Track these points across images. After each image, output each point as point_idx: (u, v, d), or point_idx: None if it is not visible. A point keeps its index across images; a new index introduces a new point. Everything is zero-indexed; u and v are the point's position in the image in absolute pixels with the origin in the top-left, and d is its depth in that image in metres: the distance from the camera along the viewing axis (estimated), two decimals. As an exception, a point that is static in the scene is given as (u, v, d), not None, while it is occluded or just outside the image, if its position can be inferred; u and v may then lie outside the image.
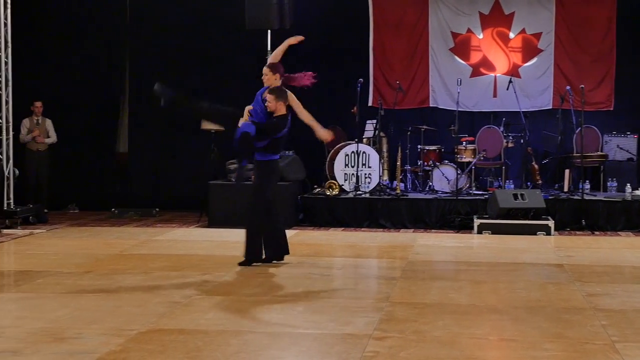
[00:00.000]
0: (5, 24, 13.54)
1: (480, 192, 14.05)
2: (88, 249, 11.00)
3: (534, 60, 15.30)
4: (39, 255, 10.59)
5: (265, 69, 9.82)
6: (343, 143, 14.52)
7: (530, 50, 15.30)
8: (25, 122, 14.87)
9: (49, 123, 15.04)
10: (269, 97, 9.43)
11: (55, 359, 5.88)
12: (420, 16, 15.47)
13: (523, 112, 14.34)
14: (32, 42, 15.66)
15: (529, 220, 12.81)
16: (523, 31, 15.30)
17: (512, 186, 14.05)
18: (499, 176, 14.50)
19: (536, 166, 14.25)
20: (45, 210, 14.35)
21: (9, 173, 13.60)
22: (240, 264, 9.53)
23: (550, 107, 15.11)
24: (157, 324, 6.87)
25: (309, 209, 13.84)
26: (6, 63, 13.56)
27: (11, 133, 13.75)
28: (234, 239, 10.95)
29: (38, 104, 14.89)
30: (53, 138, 15.04)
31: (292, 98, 9.59)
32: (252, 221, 9.52)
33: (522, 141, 14.32)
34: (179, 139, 15.65)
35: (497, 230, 12.72)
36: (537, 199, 12.97)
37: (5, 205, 13.41)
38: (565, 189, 13.87)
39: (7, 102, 13.59)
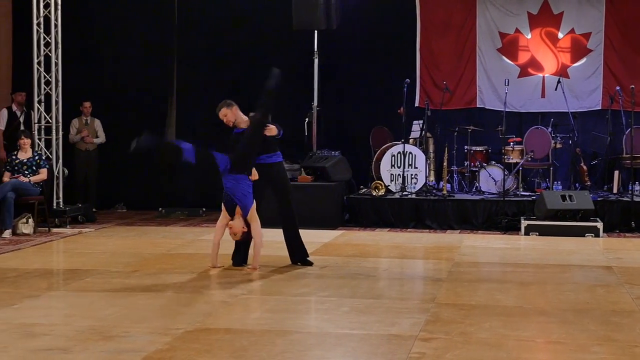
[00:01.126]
0: (56, 25, 13.70)
1: (528, 194, 13.94)
2: (135, 248, 11.10)
3: (583, 60, 15.15)
4: (87, 254, 10.70)
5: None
6: (389, 144, 14.49)
7: (579, 50, 15.15)
8: (75, 122, 15.04)
9: (97, 123, 15.20)
10: (223, 110, 9.23)
11: (103, 357, 5.93)
12: (468, 16, 15.39)
13: (572, 112, 14.20)
14: (81, 43, 15.83)
15: (577, 221, 12.68)
16: (572, 31, 15.15)
17: (560, 187, 13.93)
18: (546, 177, 14.37)
19: (585, 167, 14.11)
20: (94, 210, 14.50)
21: (58, 173, 13.76)
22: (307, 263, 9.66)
23: (600, 108, 14.94)
24: (204, 323, 6.91)
25: (354, 210, 13.83)
26: (56, 64, 13.72)
27: (61, 133, 13.91)
28: (280, 238, 10.97)
29: (87, 104, 15.05)
30: (102, 138, 15.20)
31: None
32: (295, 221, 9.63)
33: (570, 142, 14.19)
34: (226, 139, 15.68)
35: (544, 231, 12.62)
36: (585, 200, 12.84)
37: (55, 204, 13.57)
38: (615, 191, 13.73)
39: (56, 103, 13.75)
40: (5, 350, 6.06)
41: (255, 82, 15.61)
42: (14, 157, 12.84)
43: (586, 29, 15.10)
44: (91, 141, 15.03)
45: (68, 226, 13.28)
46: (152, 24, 16.00)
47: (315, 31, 14.62)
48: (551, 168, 14.23)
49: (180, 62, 16.04)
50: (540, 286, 8.74)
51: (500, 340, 6.42)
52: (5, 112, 14.49)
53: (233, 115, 9.27)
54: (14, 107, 14.49)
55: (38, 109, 13.71)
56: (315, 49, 14.83)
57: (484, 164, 14.29)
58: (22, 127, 14.09)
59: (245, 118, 9.33)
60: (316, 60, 14.82)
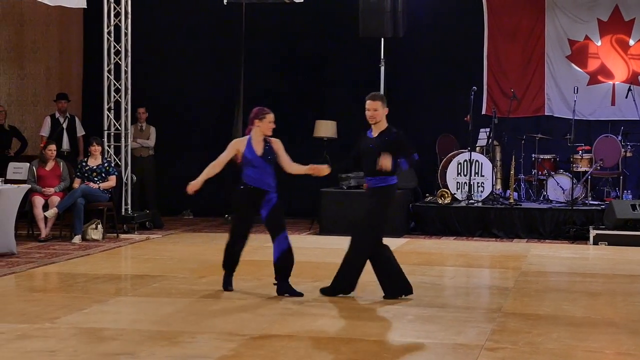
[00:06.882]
0: (126, 34, 13.87)
1: (597, 203, 13.75)
2: (202, 255, 11.19)
3: (655, 67, 14.91)
4: (154, 259, 10.82)
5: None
6: (456, 151, 14.41)
7: (651, 57, 14.92)
8: (130, 130, 14.91)
9: (152, 130, 15.10)
10: (377, 104, 8.22)
11: (170, 362, 6.00)
12: (537, 23, 15.24)
13: (643, 120, 14.00)
14: (148, 51, 15.97)
15: (648, 231, 12.48)
16: (644, 38, 14.93)
17: (630, 196, 13.72)
18: (616, 186, 14.16)
19: (656, 176, 13.89)
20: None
21: (126, 179, 13.92)
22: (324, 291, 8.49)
23: (671, 116, 14.70)
24: (269, 330, 6.93)
25: (420, 218, 13.78)
26: (126, 72, 13.89)
27: (130, 140, 14.06)
28: (346, 246, 10.96)
29: (141, 110, 14.87)
30: (152, 142, 14.96)
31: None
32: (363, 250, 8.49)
33: (641, 150, 13.99)
34: (293, 145, 15.72)
35: (613, 241, 12.43)
36: (656, 210, 12.62)
37: (123, 210, 13.73)
38: (686, 200, 13.48)
39: (126, 110, 13.91)
40: (75, 354, 6.16)
41: (322, 90, 15.83)
42: (83, 163, 13.03)
43: (658, 36, 14.87)
44: (144, 140, 14.89)
45: (136, 232, 13.44)
46: (219, 33, 16.11)
47: (382, 39, 14.60)
48: (621, 177, 14.02)
49: (247, 71, 16.14)
50: (609, 296, 8.61)
51: (568, 351, 6.34)
52: (48, 119, 14.64)
53: (381, 115, 8.29)
54: (57, 114, 14.64)
55: (108, 116, 13.89)
56: (382, 57, 14.81)
57: (552, 173, 14.13)
58: (64, 134, 14.39)
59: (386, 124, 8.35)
60: (382, 68, 14.78)
